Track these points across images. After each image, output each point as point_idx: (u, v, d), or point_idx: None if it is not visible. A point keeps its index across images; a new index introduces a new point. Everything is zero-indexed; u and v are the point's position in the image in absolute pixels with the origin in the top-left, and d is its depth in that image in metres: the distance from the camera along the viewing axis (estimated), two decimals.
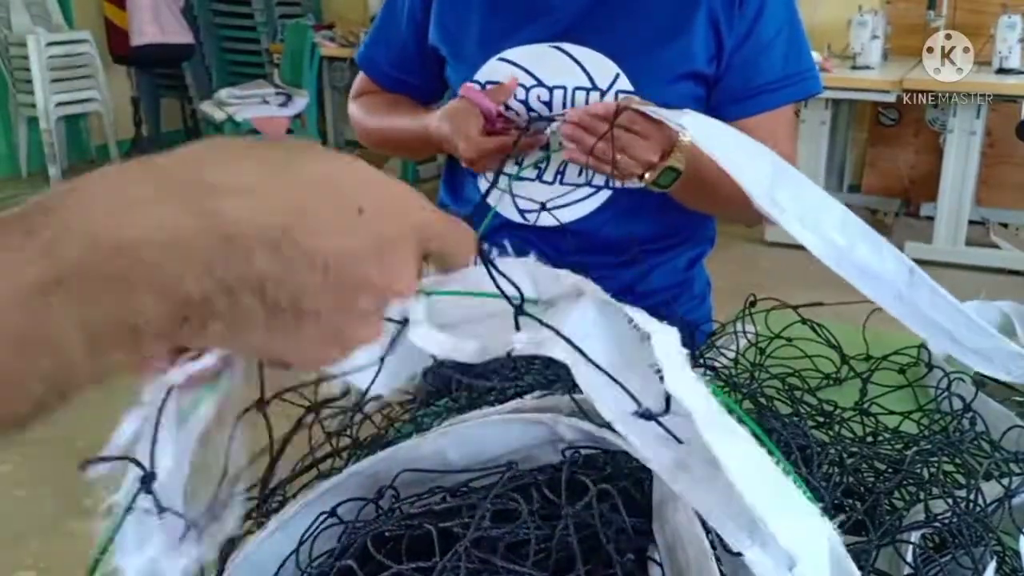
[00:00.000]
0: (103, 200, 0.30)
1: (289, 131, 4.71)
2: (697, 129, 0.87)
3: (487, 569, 0.54)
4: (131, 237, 0.30)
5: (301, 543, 0.61)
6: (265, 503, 0.67)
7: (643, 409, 0.46)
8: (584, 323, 0.46)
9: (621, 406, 0.46)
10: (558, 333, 0.44)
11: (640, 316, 0.47)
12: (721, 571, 0.49)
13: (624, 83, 1.04)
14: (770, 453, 0.47)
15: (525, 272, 0.48)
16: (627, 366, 0.46)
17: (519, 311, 0.44)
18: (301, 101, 4.76)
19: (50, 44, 5.19)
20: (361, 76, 1.28)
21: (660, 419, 0.46)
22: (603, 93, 1.05)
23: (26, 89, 5.27)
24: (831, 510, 0.63)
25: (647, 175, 0.99)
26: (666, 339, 0.46)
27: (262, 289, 0.32)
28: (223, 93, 4.80)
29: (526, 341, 0.44)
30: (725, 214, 1.16)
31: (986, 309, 1.02)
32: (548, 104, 1.06)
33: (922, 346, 0.98)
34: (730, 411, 0.47)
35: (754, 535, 0.44)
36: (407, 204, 0.36)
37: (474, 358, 0.44)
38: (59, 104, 5.28)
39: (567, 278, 0.49)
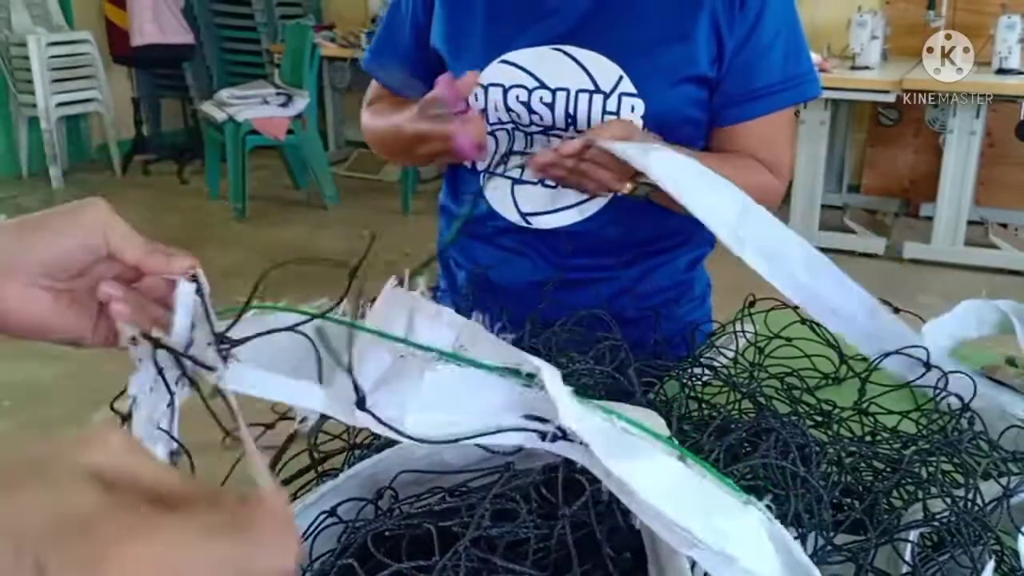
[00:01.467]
0: None
1: (290, 131, 4.71)
2: (661, 169, 0.88)
3: (486, 568, 0.55)
4: None
5: (301, 543, 0.61)
6: None
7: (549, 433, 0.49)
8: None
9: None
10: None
11: (526, 358, 0.50)
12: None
13: (627, 85, 1.04)
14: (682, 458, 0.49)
15: (449, 325, 0.52)
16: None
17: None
18: (301, 101, 4.76)
19: (51, 44, 5.19)
20: (372, 84, 1.28)
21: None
22: (606, 96, 1.04)
23: (27, 89, 5.27)
24: (829, 509, 0.63)
25: (624, 189, 1.00)
26: (552, 376, 0.49)
27: None
28: (224, 93, 4.80)
29: None
30: None
31: (985, 308, 1.02)
32: (551, 106, 1.06)
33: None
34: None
35: (691, 539, 0.46)
36: (112, 555, 0.29)
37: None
38: (60, 104, 5.28)
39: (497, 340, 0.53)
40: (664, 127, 1.04)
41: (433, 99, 1.03)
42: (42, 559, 0.28)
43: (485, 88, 1.08)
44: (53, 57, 5.20)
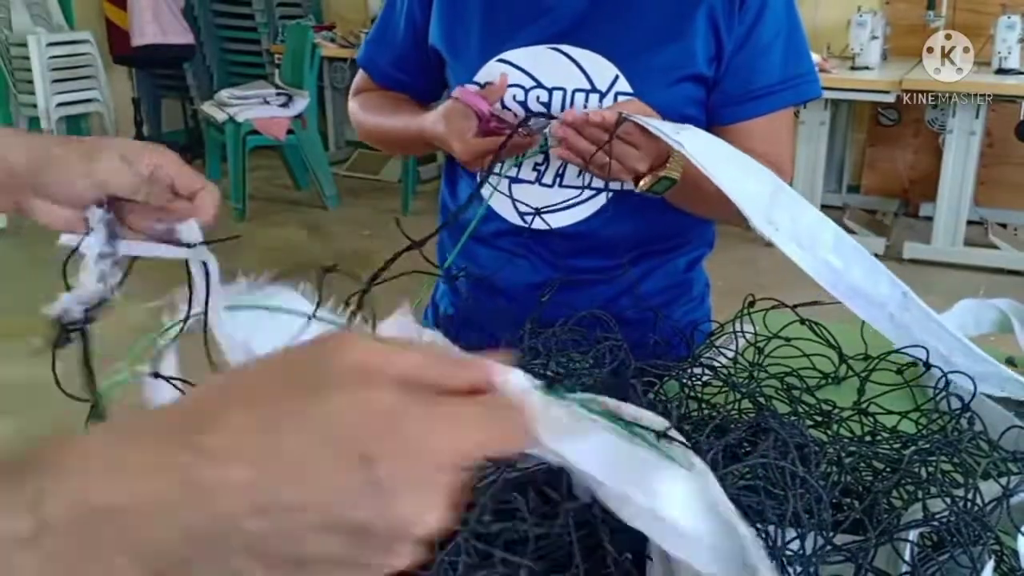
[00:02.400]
0: (98, 461, 0.31)
1: (290, 131, 4.71)
2: (694, 147, 0.87)
3: (486, 564, 0.55)
4: (119, 503, 0.30)
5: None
6: None
7: None
8: None
9: None
10: None
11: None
12: None
13: (623, 85, 1.04)
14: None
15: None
16: None
17: None
18: (302, 101, 4.76)
19: (51, 44, 5.19)
20: (361, 74, 1.28)
21: None
22: (602, 95, 1.04)
23: (27, 89, 5.27)
24: (829, 508, 0.63)
25: (642, 182, 0.99)
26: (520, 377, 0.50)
27: (251, 548, 0.32)
28: (224, 93, 4.80)
29: None
30: (719, 217, 1.16)
31: (984, 307, 1.02)
32: (547, 105, 1.06)
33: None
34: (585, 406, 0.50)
35: (623, 500, 0.47)
36: (424, 442, 0.33)
37: None
38: (60, 104, 5.28)
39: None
40: None
41: (460, 109, 1.02)
42: (367, 452, 0.31)
43: (482, 87, 1.08)
44: (53, 57, 5.20)
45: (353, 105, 1.27)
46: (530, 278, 1.12)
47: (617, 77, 1.04)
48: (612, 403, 0.52)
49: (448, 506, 0.33)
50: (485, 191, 1.12)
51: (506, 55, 1.07)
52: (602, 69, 1.04)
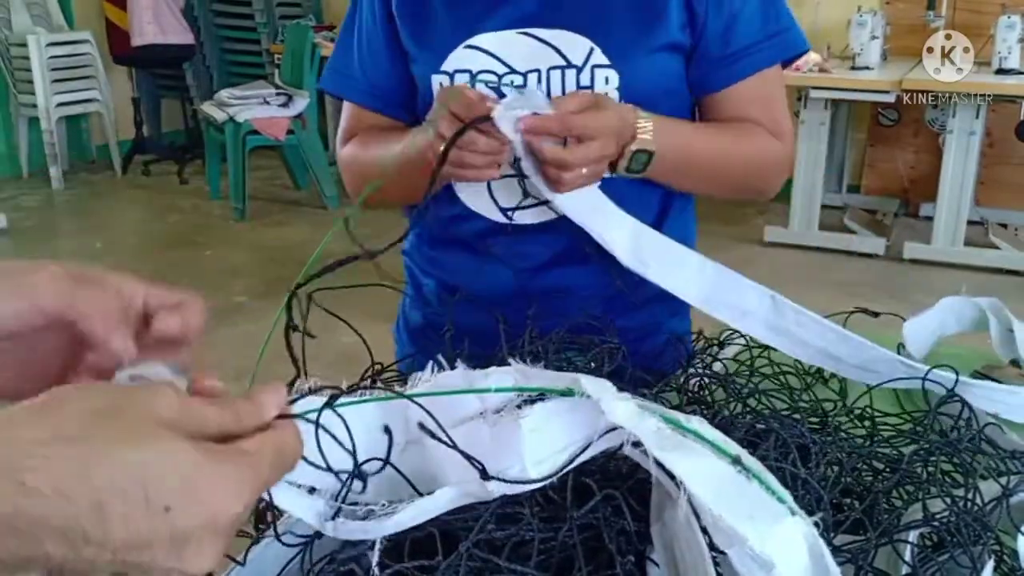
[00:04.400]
0: None
1: (290, 131, 4.71)
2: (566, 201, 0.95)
3: (489, 569, 0.55)
4: None
5: (305, 546, 0.62)
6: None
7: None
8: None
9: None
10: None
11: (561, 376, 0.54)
12: (718, 571, 0.49)
13: (599, 57, 1.01)
14: (736, 462, 0.50)
15: (505, 375, 0.57)
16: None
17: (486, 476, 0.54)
18: (301, 102, 4.76)
19: (51, 44, 5.20)
20: (348, 113, 1.17)
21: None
22: (579, 70, 1.01)
23: (27, 89, 5.28)
24: (829, 509, 0.63)
25: (618, 165, 0.96)
26: (593, 383, 0.53)
27: (47, 565, 0.35)
28: (224, 93, 4.80)
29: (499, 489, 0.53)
30: (708, 191, 1.11)
31: (964, 305, 1.03)
32: (523, 88, 1.01)
33: (900, 345, 0.98)
34: (683, 429, 0.52)
35: (733, 537, 0.47)
36: (216, 498, 0.38)
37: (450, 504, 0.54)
38: (60, 104, 5.28)
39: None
40: (642, 99, 1.00)
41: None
42: (170, 504, 0.36)
43: (451, 75, 1.04)
44: (53, 57, 5.20)
45: (346, 154, 1.15)
46: (509, 285, 1.06)
47: (592, 50, 1.01)
48: (696, 420, 0.52)
49: (220, 554, 0.39)
50: (464, 189, 1.06)
51: (474, 41, 1.03)
52: (575, 45, 1.01)
